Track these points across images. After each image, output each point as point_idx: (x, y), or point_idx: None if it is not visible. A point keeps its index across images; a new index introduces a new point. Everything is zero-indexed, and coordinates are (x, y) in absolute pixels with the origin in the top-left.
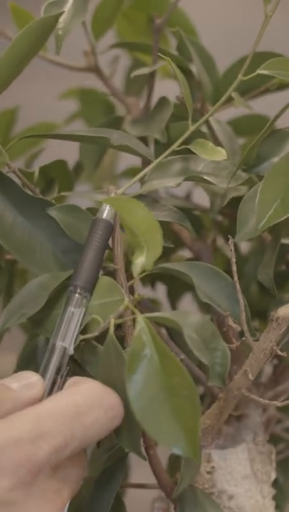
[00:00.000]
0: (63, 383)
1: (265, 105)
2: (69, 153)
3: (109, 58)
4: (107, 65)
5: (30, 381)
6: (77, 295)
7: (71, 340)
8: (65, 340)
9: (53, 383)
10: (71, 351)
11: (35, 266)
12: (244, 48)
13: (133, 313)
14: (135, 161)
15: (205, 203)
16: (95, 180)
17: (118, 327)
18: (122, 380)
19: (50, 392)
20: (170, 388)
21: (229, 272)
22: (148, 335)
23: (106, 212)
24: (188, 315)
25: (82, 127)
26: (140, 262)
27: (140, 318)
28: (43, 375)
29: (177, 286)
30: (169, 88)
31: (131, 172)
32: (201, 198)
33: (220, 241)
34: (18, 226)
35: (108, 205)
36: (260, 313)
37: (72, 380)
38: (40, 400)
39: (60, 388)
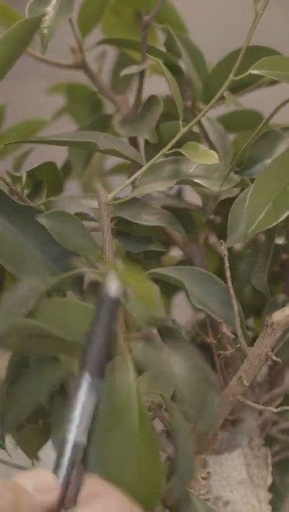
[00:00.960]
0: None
1: (255, 100)
2: (56, 151)
3: (95, 53)
4: (93, 60)
5: (47, 484)
6: (89, 382)
7: (84, 431)
8: (79, 433)
9: (68, 478)
10: (84, 442)
11: (25, 274)
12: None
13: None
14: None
15: (196, 200)
16: (83, 178)
17: None
18: None
19: (65, 489)
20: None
21: (222, 271)
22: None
23: (114, 290)
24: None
25: (70, 123)
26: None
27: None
28: (57, 471)
29: (168, 286)
30: (157, 84)
31: (120, 168)
32: (193, 195)
33: (212, 238)
34: (7, 234)
35: (114, 281)
36: (255, 312)
37: (88, 491)
38: (55, 504)
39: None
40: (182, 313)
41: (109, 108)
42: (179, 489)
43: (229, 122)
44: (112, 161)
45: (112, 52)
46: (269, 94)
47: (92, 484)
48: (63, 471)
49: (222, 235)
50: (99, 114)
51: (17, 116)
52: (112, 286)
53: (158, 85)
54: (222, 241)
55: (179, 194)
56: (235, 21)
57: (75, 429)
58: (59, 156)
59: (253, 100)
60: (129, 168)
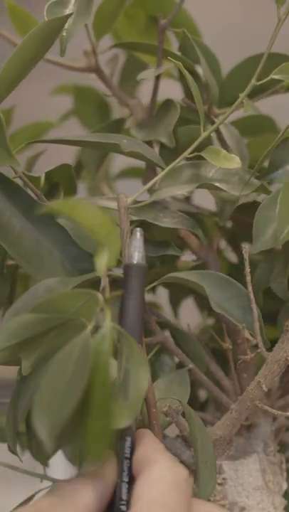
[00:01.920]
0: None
1: (267, 105)
2: (62, 153)
3: (104, 57)
4: (103, 64)
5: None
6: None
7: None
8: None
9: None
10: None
11: (42, 274)
12: (243, 48)
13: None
14: (129, 161)
15: (205, 204)
16: (90, 182)
17: None
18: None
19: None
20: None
21: (232, 276)
22: (107, 342)
23: (136, 257)
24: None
25: (75, 125)
26: (105, 259)
27: (108, 325)
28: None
29: (179, 291)
30: (168, 88)
31: (127, 173)
32: (202, 201)
33: (222, 244)
34: (25, 234)
35: (137, 248)
36: (266, 319)
37: (141, 456)
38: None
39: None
40: (186, 318)
41: (116, 111)
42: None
43: (242, 127)
44: (117, 167)
45: (120, 56)
46: (282, 101)
47: (145, 448)
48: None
49: (232, 240)
50: (109, 117)
51: (20, 118)
52: (135, 254)
53: (168, 90)
54: (244, 245)
55: (187, 199)
56: (235, 21)
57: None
58: (63, 158)
59: (265, 106)
60: (136, 172)
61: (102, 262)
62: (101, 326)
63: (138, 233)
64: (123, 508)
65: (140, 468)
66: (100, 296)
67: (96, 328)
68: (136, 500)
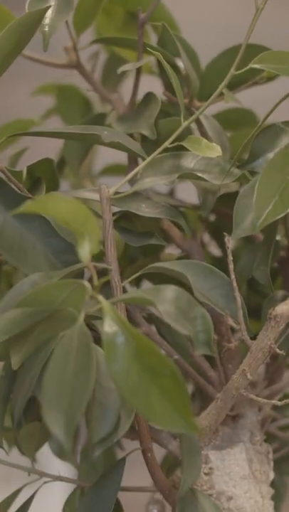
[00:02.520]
0: None
1: (248, 99)
2: (47, 149)
3: (85, 54)
4: (84, 60)
5: None
6: None
7: None
8: None
9: None
10: None
11: (27, 267)
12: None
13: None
14: (112, 158)
15: (188, 198)
16: (72, 178)
17: None
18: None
19: None
20: (151, 369)
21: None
22: (117, 321)
23: None
24: (161, 290)
25: (57, 123)
26: (87, 247)
27: (106, 305)
28: None
29: (162, 283)
30: (148, 85)
31: (109, 170)
32: (184, 194)
33: (205, 238)
34: (8, 227)
35: None
36: (250, 313)
37: None
38: None
39: None
40: None
41: (99, 109)
42: (186, 487)
43: (223, 120)
44: (100, 164)
45: (101, 53)
46: (262, 92)
47: None
48: None
49: (216, 233)
50: (91, 113)
51: (1, 117)
52: None
53: (148, 85)
54: (226, 235)
55: (171, 193)
56: (235, 21)
57: None
58: (48, 154)
59: (245, 100)
60: (119, 169)
61: (85, 250)
62: (90, 313)
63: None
64: None
65: None
66: (86, 284)
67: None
68: None
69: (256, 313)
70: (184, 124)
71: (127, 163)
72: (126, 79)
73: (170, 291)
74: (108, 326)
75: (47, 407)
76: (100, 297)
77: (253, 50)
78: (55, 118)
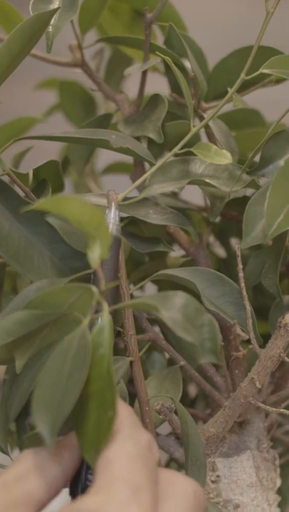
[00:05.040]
0: None
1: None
2: (48, 151)
3: (89, 52)
4: (88, 59)
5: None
6: None
7: None
8: None
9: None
10: None
11: (32, 273)
12: (238, 45)
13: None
14: (115, 156)
15: (193, 199)
16: (75, 176)
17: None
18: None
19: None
20: (99, 403)
21: (221, 271)
22: (107, 334)
23: (110, 229)
24: (168, 296)
25: (60, 121)
26: (97, 251)
27: (106, 316)
28: None
29: (168, 287)
30: (153, 82)
31: (114, 168)
32: (188, 196)
33: (210, 238)
34: (14, 233)
35: (111, 220)
36: (256, 313)
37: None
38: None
39: None
40: None
41: (102, 106)
42: None
43: (228, 121)
44: (102, 162)
45: (106, 51)
46: (266, 95)
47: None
48: None
49: (220, 234)
50: (94, 111)
51: (4, 114)
52: (109, 226)
53: (151, 81)
54: (236, 243)
55: (175, 194)
56: (235, 21)
57: None
58: (48, 155)
59: (250, 100)
60: (122, 168)
61: (95, 255)
62: (95, 319)
63: (113, 206)
64: (90, 476)
65: None
66: (94, 289)
67: (92, 321)
68: (98, 475)
69: (262, 313)
70: (193, 130)
71: (130, 161)
72: (130, 75)
73: (178, 298)
74: (97, 334)
75: (37, 406)
76: (105, 304)
77: (262, 52)
78: (58, 115)
